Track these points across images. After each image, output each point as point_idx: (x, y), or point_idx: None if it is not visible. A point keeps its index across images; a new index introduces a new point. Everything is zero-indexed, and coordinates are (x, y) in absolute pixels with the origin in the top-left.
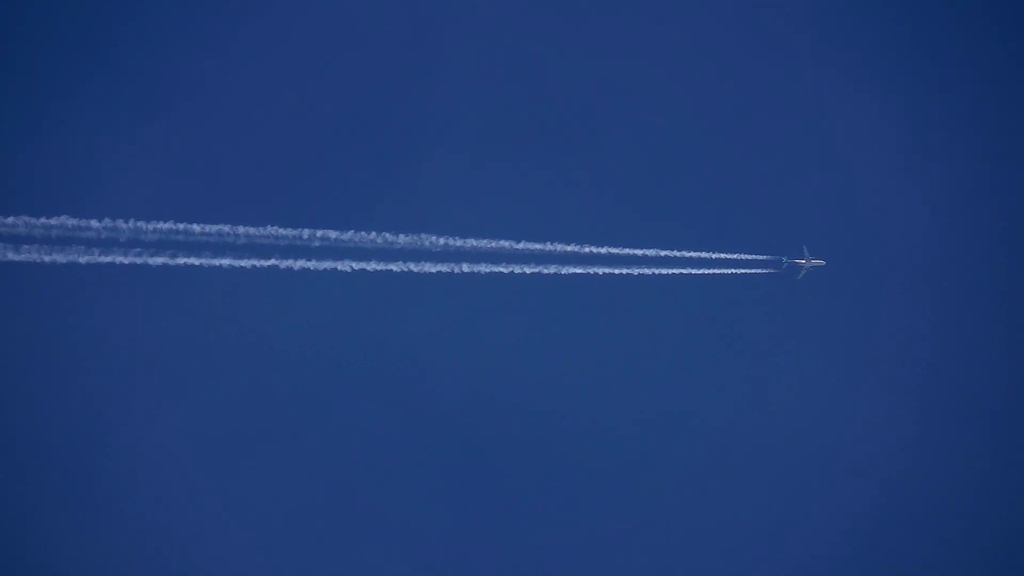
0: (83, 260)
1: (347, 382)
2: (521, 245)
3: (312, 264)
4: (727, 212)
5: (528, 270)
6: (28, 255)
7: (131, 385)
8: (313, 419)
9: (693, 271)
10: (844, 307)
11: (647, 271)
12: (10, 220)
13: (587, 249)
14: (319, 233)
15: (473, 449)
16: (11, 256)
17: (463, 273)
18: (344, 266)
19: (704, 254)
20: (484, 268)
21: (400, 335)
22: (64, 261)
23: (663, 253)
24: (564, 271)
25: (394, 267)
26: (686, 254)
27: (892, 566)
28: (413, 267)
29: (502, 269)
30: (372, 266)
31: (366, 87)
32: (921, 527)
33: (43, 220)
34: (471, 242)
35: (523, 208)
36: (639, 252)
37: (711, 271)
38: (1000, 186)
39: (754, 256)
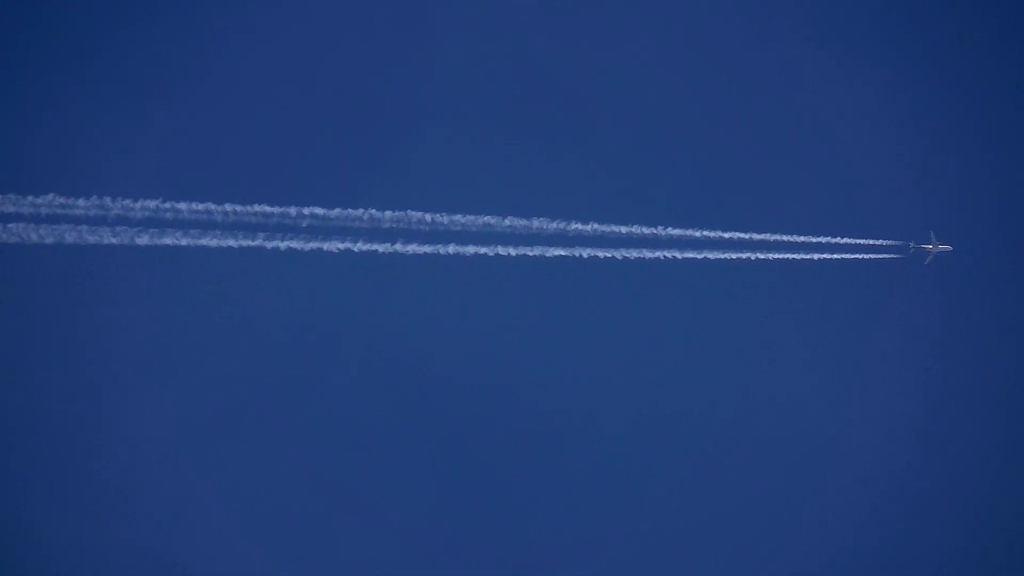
0: (70, 239)
1: (333, 364)
2: (574, 226)
3: (299, 244)
4: (857, 197)
5: (568, 252)
6: (16, 234)
7: (120, 365)
8: (298, 400)
9: (818, 256)
10: (965, 295)
11: (767, 256)
12: None
13: (706, 234)
14: (306, 211)
15: (459, 433)
16: None
17: (469, 255)
18: (331, 246)
19: (830, 239)
20: (498, 251)
21: (387, 317)
22: (52, 240)
23: (784, 238)
24: (618, 255)
25: (380, 248)
26: (812, 239)
27: None
28: (400, 248)
29: (510, 251)
30: (359, 247)
31: (353, 65)
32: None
33: (31, 199)
34: (485, 220)
35: (561, 188)
36: (762, 237)
37: (838, 256)
38: None
39: (881, 241)
